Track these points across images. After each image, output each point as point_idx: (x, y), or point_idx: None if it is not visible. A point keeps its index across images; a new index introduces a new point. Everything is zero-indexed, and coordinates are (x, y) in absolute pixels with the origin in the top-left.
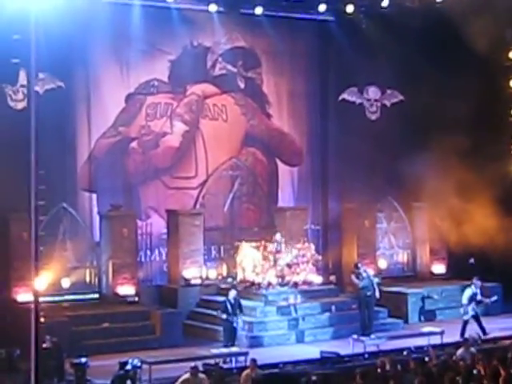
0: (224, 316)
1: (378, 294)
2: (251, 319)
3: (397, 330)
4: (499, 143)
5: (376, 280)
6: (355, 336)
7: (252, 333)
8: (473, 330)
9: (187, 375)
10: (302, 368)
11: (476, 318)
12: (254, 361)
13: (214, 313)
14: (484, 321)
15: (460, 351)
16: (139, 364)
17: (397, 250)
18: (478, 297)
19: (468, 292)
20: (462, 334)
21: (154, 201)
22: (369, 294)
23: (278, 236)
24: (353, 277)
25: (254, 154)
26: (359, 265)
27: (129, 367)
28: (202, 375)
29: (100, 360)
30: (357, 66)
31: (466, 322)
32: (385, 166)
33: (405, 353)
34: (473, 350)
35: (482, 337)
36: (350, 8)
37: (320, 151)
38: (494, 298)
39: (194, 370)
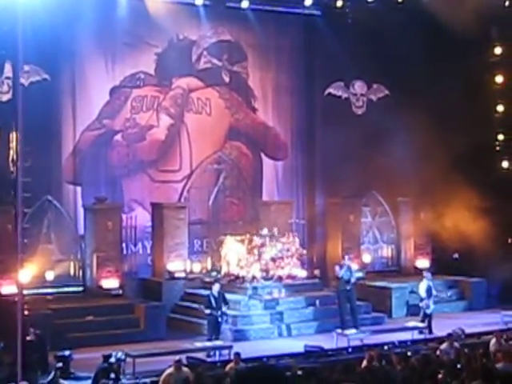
0: (207, 311)
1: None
2: (235, 313)
3: (381, 325)
4: (485, 139)
5: (357, 274)
6: (339, 330)
7: (236, 326)
8: (455, 325)
9: (171, 369)
10: (285, 362)
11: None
12: (237, 354)
13: (198, 307)
14: (467, 316)
15: (444, 346)
16: (123, 357)
17: (381, 244)
18: (434, 291)
19: (423, 285)
20: (430, 329)
21: (139, 194)
22: (348, 287)
23: (264, 231)
24: (337, 266)
25: (239, 148)
26: (346, 256)
27: (112, 360)
28: (185, 369)
29: (84, 353)
30: (343, 60)
31: (430, 317)
32: (370, 161)
33: (385, 347)
34: (456, 344)
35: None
36: (339, 2)
37: (305, 145)
38: (449, 293)
39: (178, 363)
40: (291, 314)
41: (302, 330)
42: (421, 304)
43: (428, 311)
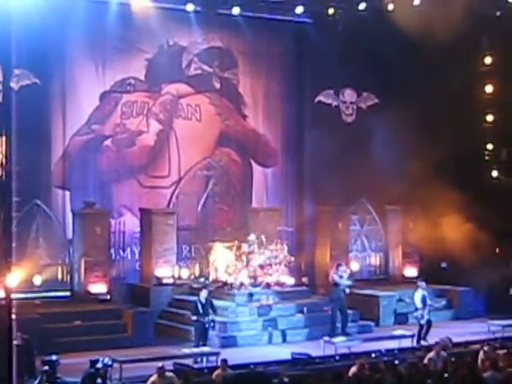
0: (194, 318)
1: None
2: (223, 319)
3: (368, 333)
4: (474, 148)
5: (347, 283)
6: (326, 338)
7: (224, 333)
8: (442, 334)
9: (154, 376)
10: (272, 369)
11: (428, 323)
12: (224, 361)
13: (185, 313)
14: (455, 325)
15: (431, 354)
16: (110, 362)
17: (369, 252)
18: (428, 301)
19: (418, 295)
20: (419, 339)
21: (128, 199)
22: (342, 295)
23: (251, 236)
24: (335, 276)
25: (229, 155)
26: (343, 264)
27: (99, 365)
28: (170, 374)
29: (71, 358)
30: (333, 68)
31: (422, 326)
32: (359, 169)
33: (373, 355)
34: (443, 353)
35: (422, 343)
36: (330, 10)
37: (295, 153)
38: (442, 302)
39: (161, 370)
40: (279, 322)
41: (290, 338)
42: (415, 314)
43: (421, 322)
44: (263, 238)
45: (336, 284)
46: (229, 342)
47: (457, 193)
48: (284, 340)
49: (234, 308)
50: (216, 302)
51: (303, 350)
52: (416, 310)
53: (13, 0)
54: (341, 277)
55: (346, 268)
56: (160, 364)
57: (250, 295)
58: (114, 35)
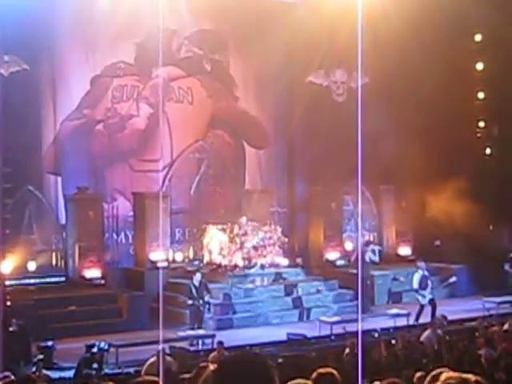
0: (189, 302)
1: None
2: (218, 301)
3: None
4: (466, 126)
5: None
6: (323, 318)
7: (219, 315)
8: (437, 312)
9: (153, 359)
10: (268, 350)
11: (432, 302)
12: (220, 343)
13: (179, 296)
14: (450, 303)
15: (426, 333)
16: (106, 347)
17: (363, 232)
18: (429, 282)
19: (416, 276)
20: (417, 318)
21: (120, 183)
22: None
23: (243, 219)
24: (369, 253)
25: (221, 137)
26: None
27: (95, 350)
28: (168, 358)
29: (67, 343)
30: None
31: (422, 307)
32: (352, 149)
33: (376, 335)
34: (439, 332)
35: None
36: None
37: (287, 134)
38: (453, 278)
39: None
40: (273, 302)
41: (285, 318)
42: (417, 295)
43: (423, 302)
44: (253, 221)
45: (372, 261)
46: (224, 324)
47: (450, 171)
48: (278, 321)
49: (228, 290)
50: (210, 285)
51: (298, 330)
52: (416, 291)
53: None
54: (373, 252)
55: (375, 247)
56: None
57: (231, 278)
58: (102, 20)
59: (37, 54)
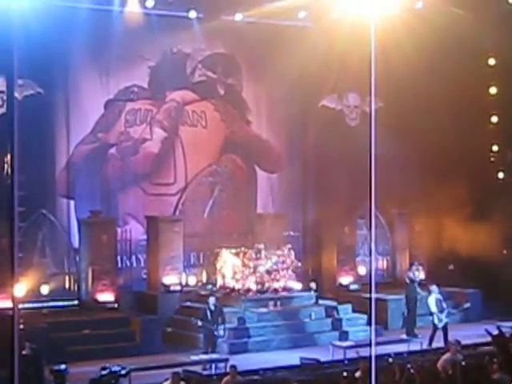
0: (199, 323)
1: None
2: (231, 326)
3: (379, 336)
4: (479, 150)
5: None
6: (336, 342)
7: (232, 339)
8: (451, 337)
9: (167, 382)
10: (281, 375)
11: (445, 327)
12: (233, 367)
13: (192, 320)
14: (463, 328)
15: (444, 357)
16: (124, 372)
17: (377, 256)
18: (444, 304)
19: (432, 299)
20: (431, 342)
21: (133, 207)
22: (417, 295)
23: (261, 246)
24: (410, 274)
25: (234, 161)
26: (415, 263)
27: (111, 372)
28: (181, 382)
29: (80, 367)
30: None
31: (435, 330)
32: (365, 173)
33: (390, 360)
34: (459, 356)
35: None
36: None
37: (300, 158)
38: (467, 304)
39: (176, 376)
40: (287, 327)
41: (298, 343)
42: (434, 318)
43: (440, 325)
44: (266, 245)
45: (412, 281)
46: (237, 348)
47: (463, 195)
48: (292, 345)
49: (241, 314)
50: (225, 309)
51: (311, 355)
52: (431, 314)
53: (15, 9)
54: (414, 275)
55: (418, 266)
56: (174, 370)
57: (245, 303)
58: (116, 43)
59: (51, 78)
